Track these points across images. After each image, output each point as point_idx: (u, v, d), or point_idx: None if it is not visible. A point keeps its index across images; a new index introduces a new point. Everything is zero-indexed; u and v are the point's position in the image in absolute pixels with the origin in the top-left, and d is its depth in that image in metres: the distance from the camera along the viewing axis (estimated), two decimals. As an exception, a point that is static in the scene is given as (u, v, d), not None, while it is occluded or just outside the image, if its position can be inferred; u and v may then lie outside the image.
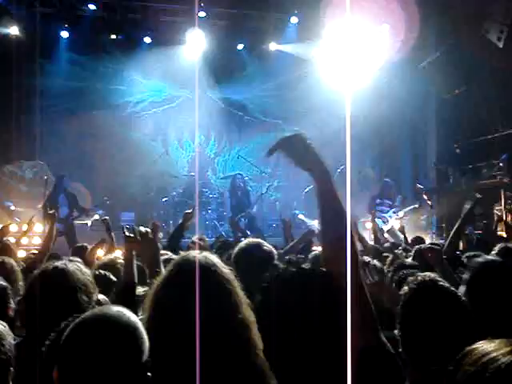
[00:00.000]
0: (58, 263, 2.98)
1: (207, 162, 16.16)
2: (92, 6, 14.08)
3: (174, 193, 14.38)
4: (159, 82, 15.75)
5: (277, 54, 15.39)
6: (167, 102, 15.98)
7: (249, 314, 2.13)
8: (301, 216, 13.54)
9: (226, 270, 2.23)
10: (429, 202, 13.21)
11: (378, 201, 13.14)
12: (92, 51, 14.50)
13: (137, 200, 14.53)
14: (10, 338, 2.27)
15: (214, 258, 2.26)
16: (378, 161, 16.49)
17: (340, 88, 15.66)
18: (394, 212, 12.96)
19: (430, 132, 15.07)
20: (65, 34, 14.44)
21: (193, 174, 15.17)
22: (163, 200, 14.22)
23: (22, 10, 13.29)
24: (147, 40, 15.01)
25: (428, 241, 9.68)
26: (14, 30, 13.28)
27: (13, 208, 12.72)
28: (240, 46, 15.71)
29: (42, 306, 2.67)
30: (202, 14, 14.66)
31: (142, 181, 14.63)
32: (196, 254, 2.24)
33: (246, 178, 15.07)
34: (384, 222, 12.99)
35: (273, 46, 15.34)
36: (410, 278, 2.55)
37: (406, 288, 2.49)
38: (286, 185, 16.41)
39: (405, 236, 8.53)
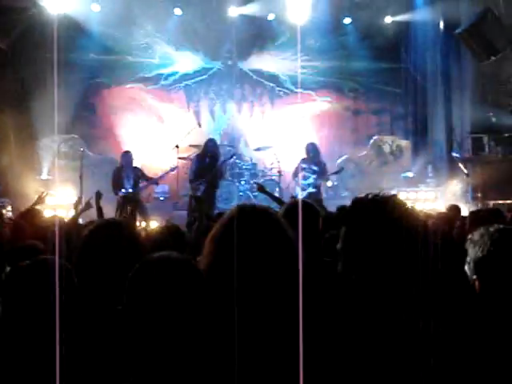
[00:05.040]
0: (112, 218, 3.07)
1: (239, 134, 16.13)
2: (122, -21, 14.08)
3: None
4: (190, 54, 15.70)
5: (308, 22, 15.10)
6: (199, 74, 15.92)
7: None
8: None
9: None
10: (464, 171, 13.06)
11: (303, 165, 12.13)
12: (123, 24, 14.48)
13: (170, 172, 14.59)
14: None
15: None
16: (411, 131, 16.28)
17: (371, 59, 15.54)
18: (316, 179, 11.97)
19: (465, 100, 14.79)
20: (96, 8, 14.42)
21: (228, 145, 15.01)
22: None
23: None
24: (178, 12, 14.95)
25: (465, 209, 9.55)
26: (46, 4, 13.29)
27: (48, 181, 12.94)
28: (271, 16, 15.47)
29: (98, 258, 2.71)
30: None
31: (174, 153, 14.67)
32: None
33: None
34: (303, 190, 11.98)
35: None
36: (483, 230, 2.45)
37: (482, 235, 2.42)
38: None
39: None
